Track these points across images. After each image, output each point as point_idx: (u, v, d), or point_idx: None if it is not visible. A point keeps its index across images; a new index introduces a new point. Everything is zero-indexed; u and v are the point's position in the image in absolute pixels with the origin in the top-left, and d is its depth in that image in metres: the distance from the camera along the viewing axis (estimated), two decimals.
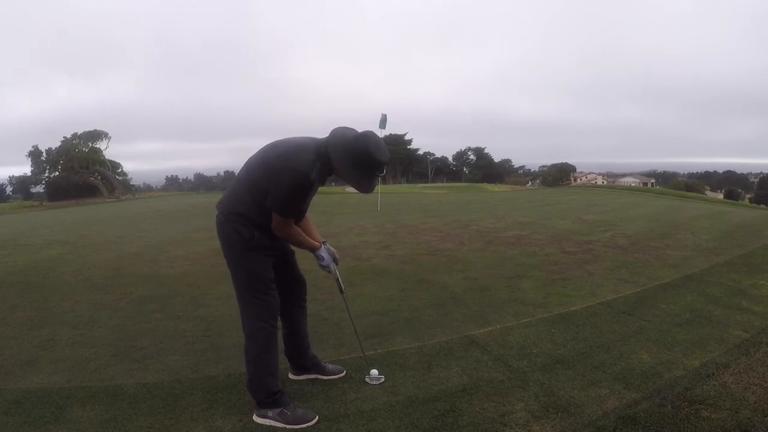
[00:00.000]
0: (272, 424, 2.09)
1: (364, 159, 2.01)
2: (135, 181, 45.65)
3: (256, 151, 2.17)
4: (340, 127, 2.12)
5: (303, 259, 2.45)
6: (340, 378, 2.48)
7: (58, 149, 35.39)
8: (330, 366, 2.54)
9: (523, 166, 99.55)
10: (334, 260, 2.34)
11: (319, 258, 2.28)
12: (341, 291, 2.44)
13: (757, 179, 77.94)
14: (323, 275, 3.43)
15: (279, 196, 2.00)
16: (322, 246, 2.29)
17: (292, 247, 2.36)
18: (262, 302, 2.13)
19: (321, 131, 2.15)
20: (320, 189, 2.21)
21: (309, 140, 2.09)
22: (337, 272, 2.37)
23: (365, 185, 2.08)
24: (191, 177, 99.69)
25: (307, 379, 2.48)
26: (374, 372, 2.46)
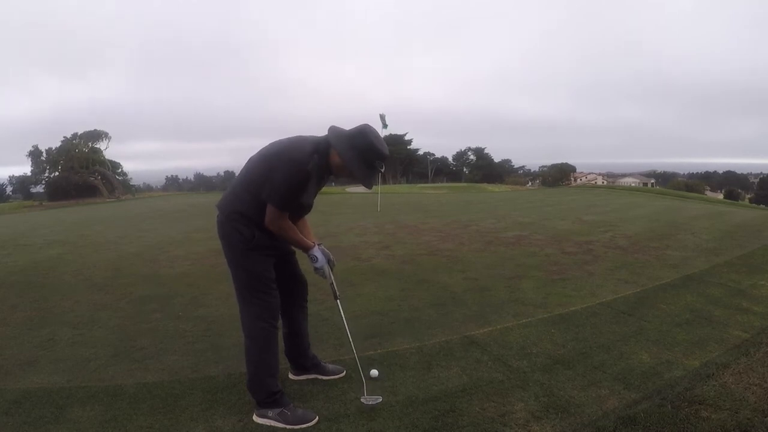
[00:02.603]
0: (272, 424, 2.09)
1: (367, 151, 2.02)
2: (135, 181, 45.63)
3: (257, 151, 2.17)
4: (336, 126, 2.13)
5: (303, 259, 2.45)
6: (340, 378, 2.48)
7: (58, 149, 35.37)
8: (330, 366, 2.54)
9: (523, 167, 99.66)
10: (330, 263, 2.28)
11: (313, 258, 2.21)
12: (336, 297, 2.33)
13: (757, 179, 77.98)
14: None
15: (275, 186, 1.99)
16: (316, 246, 2.23)
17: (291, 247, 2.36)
18: (262, 302, 2.13)
19: (321, 130, 2.15)
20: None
21: (308, 137, 2.11)
22: (332, 276, 2.29)
23: (368, 179, 2.09)
24: (191, 177, 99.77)
25: (307, 379, 2.48)
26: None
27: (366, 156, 2.03)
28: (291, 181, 1.99)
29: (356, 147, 2.02)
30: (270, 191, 2.01)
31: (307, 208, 2.22)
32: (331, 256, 2.30)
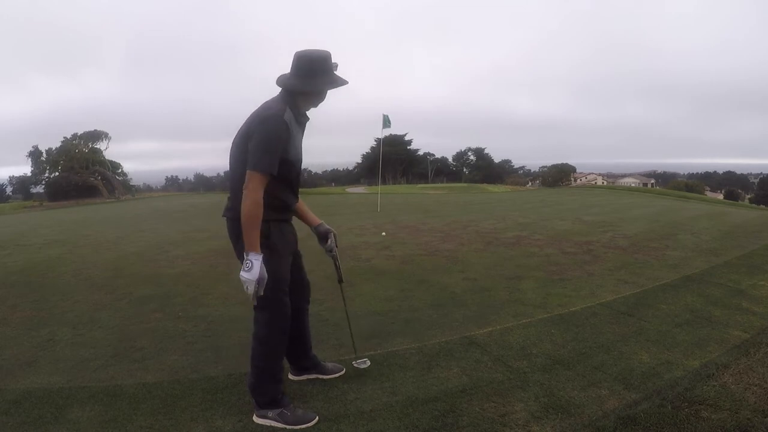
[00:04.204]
0: (272, 424, 2.08)
1: (310, 67, 2.03)
2: (135, 181, 45.63)
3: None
4: (280, 75, 2.13)
5: (307, 260, 2.45)
6: (340, 377, 2.48)
7: (59, 149, 35.38)
8: (330, 365, 2.54)
9: (523, 167, 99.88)
10: (335, 242, 2.36)
11: (247, 265, 1.94)
12: (341, 280, 2.44)
13: (757, 179, 78.07)
14: (324, 275, 3.40)
15: (256, 148, 1.95)
16: (259, 255, 1.96)
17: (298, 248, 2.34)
18: (276, 307, 2.11)
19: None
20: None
21: (269, 99, 2.10)
22: (338, 256, 2.38)
23: (335, 82, 2.10)
24: (191, 177, 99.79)
25: (307, 379, 2.48)
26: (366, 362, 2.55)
27: (318, 69, 2.04)
28: (271, 136, 1.96)
29: (305, 73, 2.03)
30: (252, 156, 1.95)
31: (298, 165, 2.15)
32: (335, 236, 2.36)
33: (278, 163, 1.99)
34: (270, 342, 2.13)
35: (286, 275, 2.14)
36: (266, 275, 1.99)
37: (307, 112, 2.19)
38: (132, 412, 2.23)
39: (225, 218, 2.17)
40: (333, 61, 2.09)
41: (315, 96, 2.13)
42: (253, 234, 1.96)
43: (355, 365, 2.51)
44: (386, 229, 7.75)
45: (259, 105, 2.12)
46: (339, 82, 2.11)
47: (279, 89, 2.12)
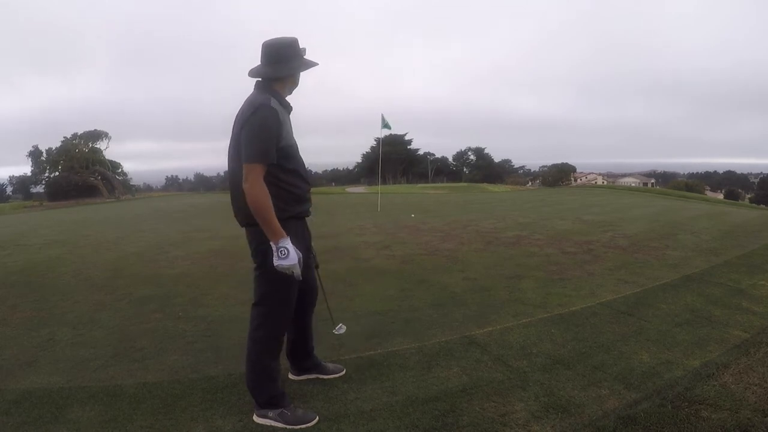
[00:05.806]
0: (272, 424, 2.08)
1: (278, 53, 2.05)
2: (135, 181, 45.69)
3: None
4: (251, 69, 2.13)
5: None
6: (340, 377, 2.48)
7: (59, 149, 35.42)
8: (330, 365, 2.54)
9: (524, 166, 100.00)
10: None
11: (281, 253, 1.91)
12: (317, 266, 2.39)
13: (757, 179, 78.09)
14: (324, 275, 3.38)
15: (249, 137, 1.93)
16: (286, 238, 1.93)
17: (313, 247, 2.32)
18: (280, 313, 2.11)
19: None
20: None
21: (249, 95, 2.10)
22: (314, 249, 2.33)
23: (306, 65, 2.13)
24: (191, 177, 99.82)
25: (307, 379, 2.48)
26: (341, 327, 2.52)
27: (287, 54, 2.06)
28: (263, 124, 1.94)
29: (276, 59, 2.05)
30: (245, 148, 1.93)
31: (295, 149, 2.12)
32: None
33: (275, 151, 1.97)
34: (264, 341, 2.12)
35: (297, 281, 2.12)
36: (301, 254, 2.01)
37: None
38: (132, 412, 2.23)
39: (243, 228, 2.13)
40: (301, 46, 2.10)
41: (290, 81, 2.13)
42: (271, 222, 1.91)
43: (334, 331, 2.49)
44: (386, 228, 7.75)
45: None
46: (309, 64, 2.13)
47: (254, 85, 2.12)
